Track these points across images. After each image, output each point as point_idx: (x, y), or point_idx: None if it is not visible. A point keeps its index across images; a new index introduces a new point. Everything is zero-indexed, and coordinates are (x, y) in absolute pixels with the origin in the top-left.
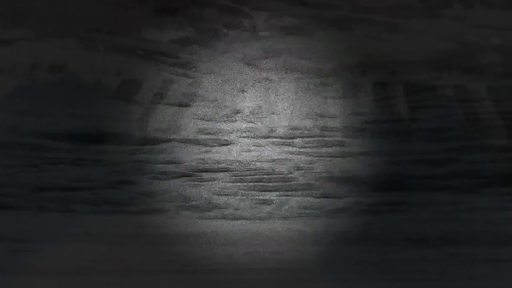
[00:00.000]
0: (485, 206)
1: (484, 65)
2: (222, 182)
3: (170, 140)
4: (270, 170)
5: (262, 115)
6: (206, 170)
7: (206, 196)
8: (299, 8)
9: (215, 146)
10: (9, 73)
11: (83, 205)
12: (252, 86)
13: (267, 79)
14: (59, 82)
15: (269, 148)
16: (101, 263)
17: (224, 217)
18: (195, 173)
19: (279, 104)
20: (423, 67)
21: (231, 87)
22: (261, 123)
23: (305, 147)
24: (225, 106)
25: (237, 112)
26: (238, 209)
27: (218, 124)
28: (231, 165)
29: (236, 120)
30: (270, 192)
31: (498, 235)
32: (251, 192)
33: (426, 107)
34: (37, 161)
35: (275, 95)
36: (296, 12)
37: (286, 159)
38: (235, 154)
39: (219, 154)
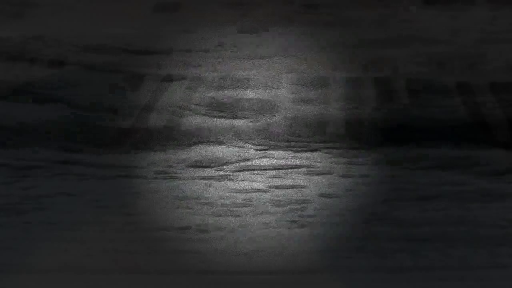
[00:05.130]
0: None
1: (486, 60)
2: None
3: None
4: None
5: (260, 114)
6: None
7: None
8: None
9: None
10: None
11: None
12: (255, 86)
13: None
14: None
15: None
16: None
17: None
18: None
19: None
20: (425, 62)
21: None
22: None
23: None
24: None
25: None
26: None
27: None
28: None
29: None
30: None
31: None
32: None
33: (428, 103)
34: None
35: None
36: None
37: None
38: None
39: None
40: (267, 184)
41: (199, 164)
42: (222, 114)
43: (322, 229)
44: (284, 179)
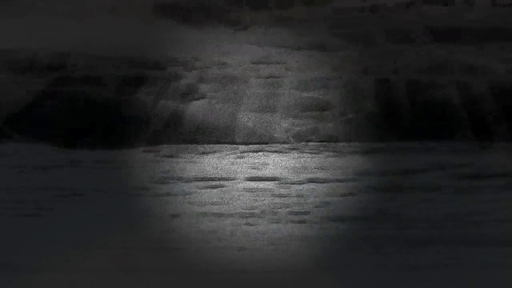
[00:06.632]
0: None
1: (485, 61)
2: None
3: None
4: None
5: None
6: None
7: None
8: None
9: None
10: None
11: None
12: (255, 87)
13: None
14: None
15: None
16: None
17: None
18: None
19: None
20: (424, 64)
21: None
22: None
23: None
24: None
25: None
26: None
27: None
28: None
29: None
30: None
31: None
32: None
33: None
34: None
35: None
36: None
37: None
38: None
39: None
40: (267, 185)
41: (198, 162)
42: (222, 115)
43: (322, 229)
44: (283, 180)
